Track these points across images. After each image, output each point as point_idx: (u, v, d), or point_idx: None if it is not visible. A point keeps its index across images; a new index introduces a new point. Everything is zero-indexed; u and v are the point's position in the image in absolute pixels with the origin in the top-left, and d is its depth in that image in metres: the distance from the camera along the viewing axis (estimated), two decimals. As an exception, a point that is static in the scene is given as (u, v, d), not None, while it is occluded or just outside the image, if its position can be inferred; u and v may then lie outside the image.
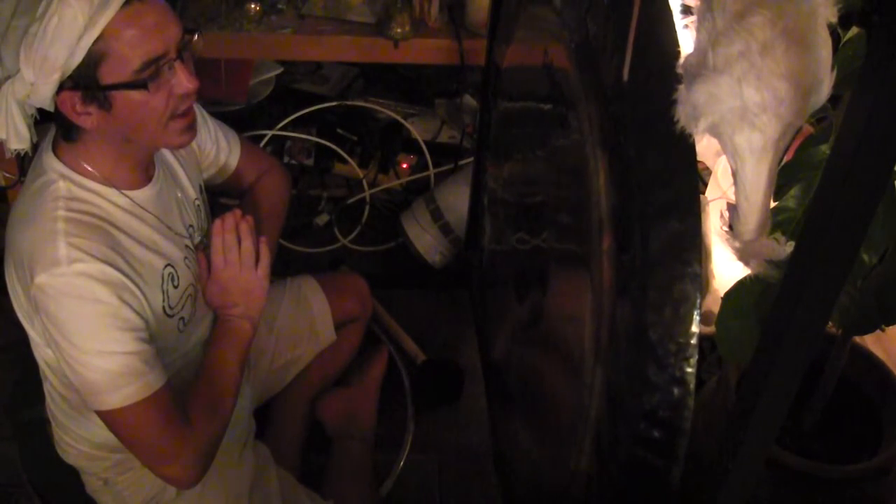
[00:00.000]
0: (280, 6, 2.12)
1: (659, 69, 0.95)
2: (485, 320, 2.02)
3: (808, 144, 1.20)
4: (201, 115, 1.48)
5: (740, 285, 1.24)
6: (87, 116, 1.19)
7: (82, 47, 1.13)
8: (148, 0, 1.17)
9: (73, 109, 1.18)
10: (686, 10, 0.91)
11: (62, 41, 1.13)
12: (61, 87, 1.17)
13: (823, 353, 1.43)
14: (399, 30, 2.03)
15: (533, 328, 1.55)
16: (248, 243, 1.41)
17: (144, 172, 1.32)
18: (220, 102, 2.46)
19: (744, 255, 0.88)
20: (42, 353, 1.33)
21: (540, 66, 1.41)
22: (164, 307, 1.31)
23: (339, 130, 2.56)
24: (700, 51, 0.85)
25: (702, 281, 0.97)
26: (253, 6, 2.06)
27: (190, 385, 1.36)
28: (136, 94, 1.18)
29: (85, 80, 1.16)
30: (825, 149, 1.18)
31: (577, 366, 1.20)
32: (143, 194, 1.31)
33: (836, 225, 0.69)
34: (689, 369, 0.97)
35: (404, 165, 2.54)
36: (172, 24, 1.20)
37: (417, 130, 2.51)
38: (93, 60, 1.15)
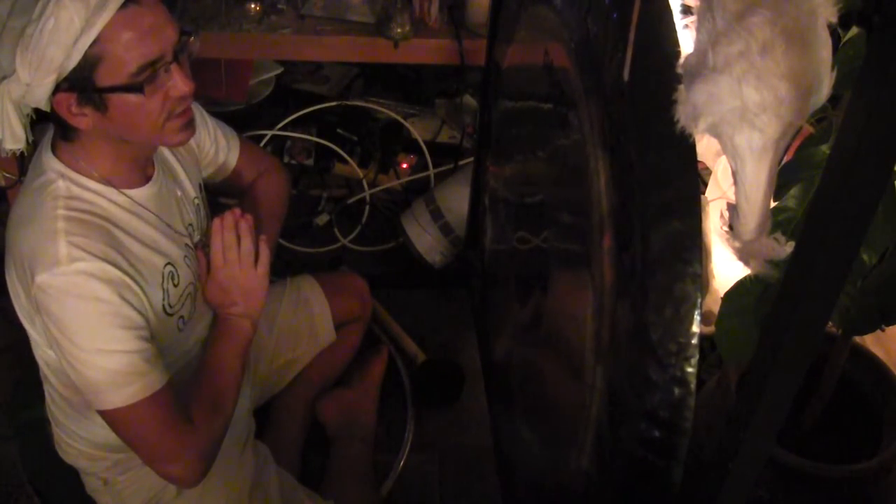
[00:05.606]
0: (280, 6, 2.12)
1: (659, 69, 0.95)
2: (485, 320, 2.02)
3: (808, 144, 1.20)
4: (200, 114, 1.48)
5: (740, 285, 1.24)
6: (82, 118, 1.19)
7: (78, 50, 1.13)
8: (144, 2, 1.16)
9: (68, 111, 1.18)
10: (686, 10, 0.90)
11: (58, 43, 1.12)
12: (57, 89, 1.16)
13: (823, 353, 1.43)
14: (399, 30, 2.03)
15: (533, 328, 1.55)
16: (247, 242, 1.41)
17: (143, 171, 1.32)
18: (220, 102, 2.46)
19: (744, 255, 0.88)
20: (43, 353, 1.33)
21: (540, 66, 1.41)
22: (164, 306, 1.31)
23: (339, 130, 2.56)
24: (700, 51, 0.85)
25: (702, 281, 0.97)
26: (253, 6, 2.06)
27: (190, 384, 1.36)
28: (131, 97, 1.18)
29: (81, 83, 1.16)
30: (825, 149, 1.18)
31: (578, 365, 1.20)
32: (143, 193, 1.31)
33: (836, 225, 0.69)
34: (689, 369, 0.97)
35: (404, 165, 2.54)
36: (169, 27, 1.19)
37: (417, 130, 2.51)
38: (89, 63, 1.14)
